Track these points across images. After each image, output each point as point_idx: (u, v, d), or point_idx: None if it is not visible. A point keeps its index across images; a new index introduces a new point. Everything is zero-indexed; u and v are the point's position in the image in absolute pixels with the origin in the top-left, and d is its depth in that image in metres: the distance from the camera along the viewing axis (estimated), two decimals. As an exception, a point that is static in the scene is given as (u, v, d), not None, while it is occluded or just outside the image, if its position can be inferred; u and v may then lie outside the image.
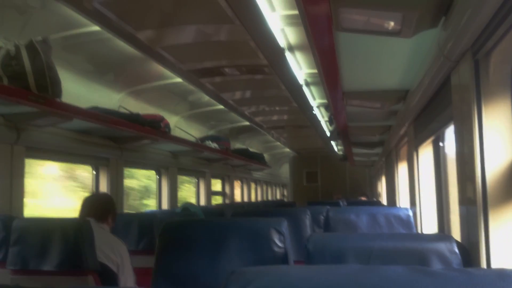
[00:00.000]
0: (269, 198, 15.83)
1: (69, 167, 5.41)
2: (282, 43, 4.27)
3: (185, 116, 7.42)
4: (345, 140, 7.83)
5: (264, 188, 15.12)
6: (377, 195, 13.94)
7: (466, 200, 2.58)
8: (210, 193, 9.36)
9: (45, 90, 3.49)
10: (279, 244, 2.17)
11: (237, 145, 10.55)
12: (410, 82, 3.91)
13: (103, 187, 5.48)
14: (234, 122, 8.94)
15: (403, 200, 7.16)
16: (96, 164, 5.43)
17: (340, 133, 6.91)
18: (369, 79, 4.06)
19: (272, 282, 0.99)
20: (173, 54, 4.58)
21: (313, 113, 7.46)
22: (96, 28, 3.86)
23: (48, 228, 2.92)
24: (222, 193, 10.85)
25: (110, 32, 3.88)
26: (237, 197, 12.03)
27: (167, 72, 5.20)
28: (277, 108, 8.04)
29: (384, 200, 10.73)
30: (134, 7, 3.57)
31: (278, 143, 12.69)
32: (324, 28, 2.62)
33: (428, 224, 4.67)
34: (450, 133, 3.70)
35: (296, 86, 5.71)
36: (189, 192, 9.11)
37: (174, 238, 2.27)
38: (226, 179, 10.84)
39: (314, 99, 6.58)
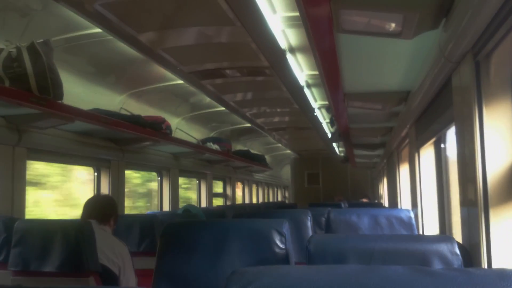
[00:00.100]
0: (270, 199, 15.82)
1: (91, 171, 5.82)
2: (283, 44, 4.28)
3: (186, 117, 7.42)
4: (347, 142, 7.83)
5: (266, 189, 15.12)
6: (379, 196, 13.93)
7: (467, 202, 2.58)
8: (211, 195, 9.36)
9: (47, 92, 3.50)
10: (280, 245, 2.17)
11: (238, 146, 10.56)
12: (411, 83, 3.92)
13: (105, 189, 5.49)
14: (235, 123, 8.95)
15: (404, 201, 7.15)
16: (98, 165, 5.44)
17: (341, 134, 6.91)
18: (370, 81, 4.06)
19: (273, 282, 1.00)
20: (174, 56, 4.58)
21: (314, 115, 7.46)
22: (97, 30, 3.87)
23: (49, 229, 2.92)
24: (224, 195, 10.85)
25: (112, 34, 3.89)
26: (239, 199, 12.03)
27: (168, 74, 5.21)
28: (278, 110, 8.04)
29: (385, 201, 10.72)
30: (136, 9, 3.57)
31: (280, 144, 12.69)
32: (325, 29, 2.63)
33: (430, 226, 4.67)
34: (451, 134, 3.70)
35: (297, 88, 5.71)
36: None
37: (175, 240, 2.28)
38: (228, 181, 10.85)
39: (315, 100, 6.58)
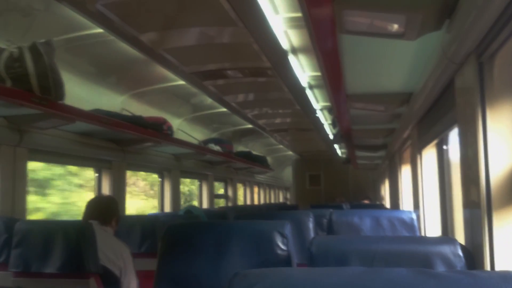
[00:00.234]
0: (272, 201, 15.82)
1: (130, 175, 6.35)
2: (285, 45, 4.27)
3: (188, 118, 7.42)
4: (348, 143, 7.82)
5: (267, 191, 15.12)
6: (380, 198, 13.91)
7: (470, 203, 2.57)
8: (213, 196, 9.35)
9: (48, 92, 3.49)
10: (282, 247, 2.16)
11: (240, 148, 10.55)
12: (413, 84, 3.91)
13: (106, 190, 5.48)
14: (237, 124, 8.94)
15: (406, 203, 7.14)
16: (99, 166, 5.43)
17: (343, 136, 6.90)
18: (373, 82, 4.05)
19: (275, 284, 0.99)
20: (176, 56, 4.58)
21: (316, 116, 7.45)
22: (99, 30, 3.87)
23: (50, 230, 2.91)
24: (225, 196, 10.84)
25: (113, 34, 3.88)
26: (240, 200, 12.02)
27: (170, 74, 5.20)
28: (280, 111, 8.04)
29: (387, 203, 10.71)
30: (137, 10, 3.57)
31: (281, 146, 12.69)
32: (327, 30, 2.62)
33: (432, 227, 4.66)
34: (454, 136, 3.69)
35: (299, 89, 5.71)
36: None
37: (177, 241, 2.27)
38: (229, 182, 10.84)
39: (317, 102, 6.58)
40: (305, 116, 7.63)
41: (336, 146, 10.99)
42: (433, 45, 2.77)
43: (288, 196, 18.58)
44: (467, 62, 2.51)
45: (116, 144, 5.42)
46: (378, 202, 13.58)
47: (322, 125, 8.27)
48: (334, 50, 3.00)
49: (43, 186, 5.33)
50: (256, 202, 13.46)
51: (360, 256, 1.90)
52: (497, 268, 2.25)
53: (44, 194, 5.31)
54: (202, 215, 5.55)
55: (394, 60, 3.37)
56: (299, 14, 3.35)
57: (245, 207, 10.06)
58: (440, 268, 1.87)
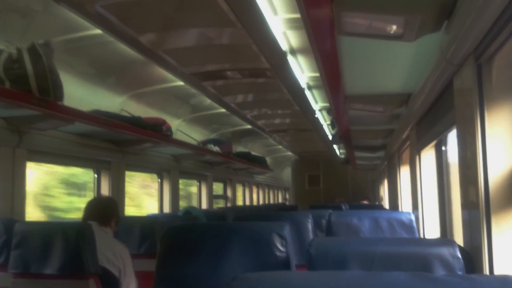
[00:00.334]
0: (271, 201, 15.82)
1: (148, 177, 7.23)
2: (284, 46, 4.27)
3: (187, 119, 7.42)
4: (347, 144, 7.82)
5: (266, 191, 15.11)
6: (379, 198, 13.92)
7: (469, 205, 2.58)
8: (212, 197, 9.35)
9: (47, 93, 3.49)
10: (281, 248, 2.16)
11: (239, 148, 10.55)
12: (412, 86, 3.91)
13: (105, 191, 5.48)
14: (236, 125, 8.94)
15: (405, 204, 7.14)
16: (98, 167, 5.43)
17: (342, 136, 6.91)
18: (371, 83, 4.05)
19: None
20: (175, 57, 4.58)
21: (315, 117, 7.46)
22: (98, 31, 3.86)
23: (49, 231, 2.92)
24: (224, 197, 10.84)
25: (112, 35, 3.88)
26: (239, 201, 12.02)
27: (169, 75, 5.20)
28: (279, 112, 8.05)
29: (386, 204, 10.71)
30: (136, 11, 3.57)
31: (280, 146, 12.69)
32: (326, 32, 2.62)
33: (431, 228, 4.66)
34: (452, 137, 3.70)
35: (298, 90, 5.71)
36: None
37: (176, 242, 2.27)
38: (228, 183, 10.84)
39: (316, 102, 6.58)
40: (304, 116, 7.63)
41: (335, 146, 11.00)
42: (431, 46, 2.77)
43: (287, 196, 18.58)
44: (466, 64, 2.51)
45: (115, 145, 5.42)
46: (377, 203, 13.59)
47: (321, 125, 8.27)
48: (332, 51, 3.00)
49: (82, 189, 5.83)
50: (255, 202, 13.45)
51: (359, 258, 1.90)
52: (496, 269, 2.25)
53: (83, 196, 5.76)
54: (201, 215, 5.56)
55: (392, 61, 3.37)
56: (297, 15, 3.34)
57: (244, 207, 10.07)
58: (439, 270, 1.87)
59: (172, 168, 7.20)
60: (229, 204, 10.75)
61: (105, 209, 3.41)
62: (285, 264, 2.14)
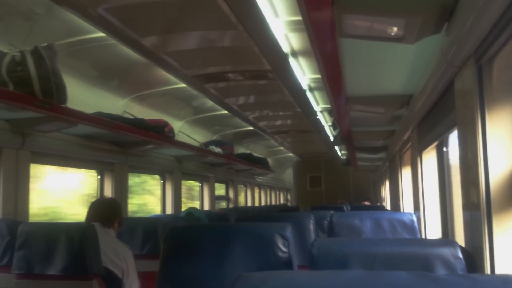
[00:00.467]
0: (273, 202, 15.82)
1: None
2: (285, 48, 4.28)
3: (189, 121, 7.44)
4: (349, 145, 7.82)
5: (268, 192, 15.12)
6: (381, 199, 13.91)
7: (470, 205, 2.59)
8: (214, 198, 9.37)
9: (50, 96, 3.51)
10: (283, 249, 2.18)
11: (241, 149, 10.56)
12: (413, 87, 3.92)
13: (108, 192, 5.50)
14: (238, 127, 8.95)
15: (407, 205, 7.14)
16: (101, 169, 5.45)
17: (343, 138, 6.91)
18: (373, 85, 4.06)
19: (277, 287, 1.00)
20: (177, 59, 4.60)
21: (316, 118, 7.45)
22: (101, 34, 3.88)
23: (53, 232, 2.93)
24: (226, 198, 10.85)
25: (115, 38, 3.90)
26: (241, 202, 12.03)
27: (171, 77, 5.22)
28: (280, 113, 8.05)
29: (387, 205, 10.71)
30: (139, 14, 3.58)
31: (282, 147, 12.69)
32: (327, 34, 2.64)
33: (432, 229, 4.66)
34: (453, 138, 3.71)
35: (299, 91, 5.72)
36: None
37: (179, 243, 2.28)
38: (230, 184, 10.85)
39: (318, 104, 6.58)
40: (305, 118, 7.63)
41: (336, 148, 10.99)
42: (432, 48, 2.79)
43: (289, 197, 18.57)
44: (466, 65, 2.52)
45: (118, 147, 5.44)
46: (378, 204, 13.58)
47: (322, 127, 8.27)
48: (333, 53, 3.02)
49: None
50: (257, 203, 13.45)
51: (360, 258, 1.92)
52: (497, 270, 2.26)
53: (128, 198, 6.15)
54: (203, 216, 5.57)
55: (393, 63, 3.38)
56: (299, 18, 3.36)
57: (246, 208, 10.07)
58: (440, 270, 1.88)
59: (174, 169, 7.22)
60: (231, 205, 10.75)
61: (108, 210, 3.42)
62: (287, 265, 2.15)
